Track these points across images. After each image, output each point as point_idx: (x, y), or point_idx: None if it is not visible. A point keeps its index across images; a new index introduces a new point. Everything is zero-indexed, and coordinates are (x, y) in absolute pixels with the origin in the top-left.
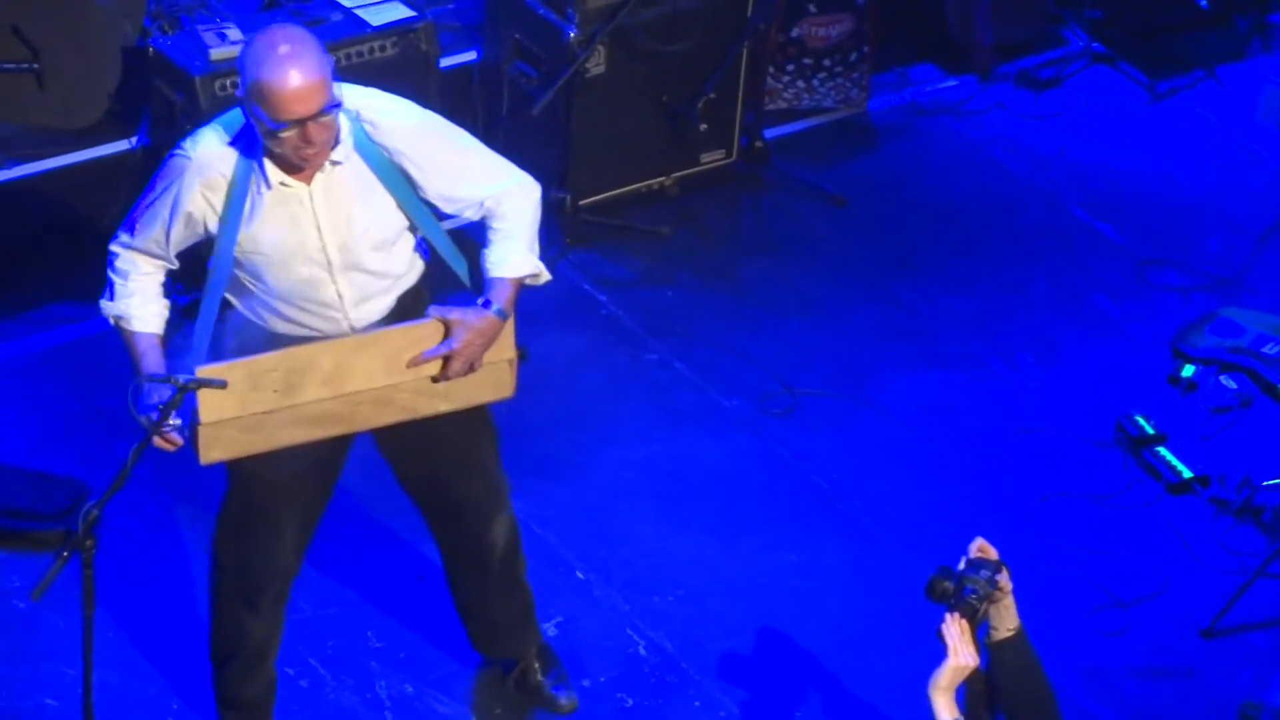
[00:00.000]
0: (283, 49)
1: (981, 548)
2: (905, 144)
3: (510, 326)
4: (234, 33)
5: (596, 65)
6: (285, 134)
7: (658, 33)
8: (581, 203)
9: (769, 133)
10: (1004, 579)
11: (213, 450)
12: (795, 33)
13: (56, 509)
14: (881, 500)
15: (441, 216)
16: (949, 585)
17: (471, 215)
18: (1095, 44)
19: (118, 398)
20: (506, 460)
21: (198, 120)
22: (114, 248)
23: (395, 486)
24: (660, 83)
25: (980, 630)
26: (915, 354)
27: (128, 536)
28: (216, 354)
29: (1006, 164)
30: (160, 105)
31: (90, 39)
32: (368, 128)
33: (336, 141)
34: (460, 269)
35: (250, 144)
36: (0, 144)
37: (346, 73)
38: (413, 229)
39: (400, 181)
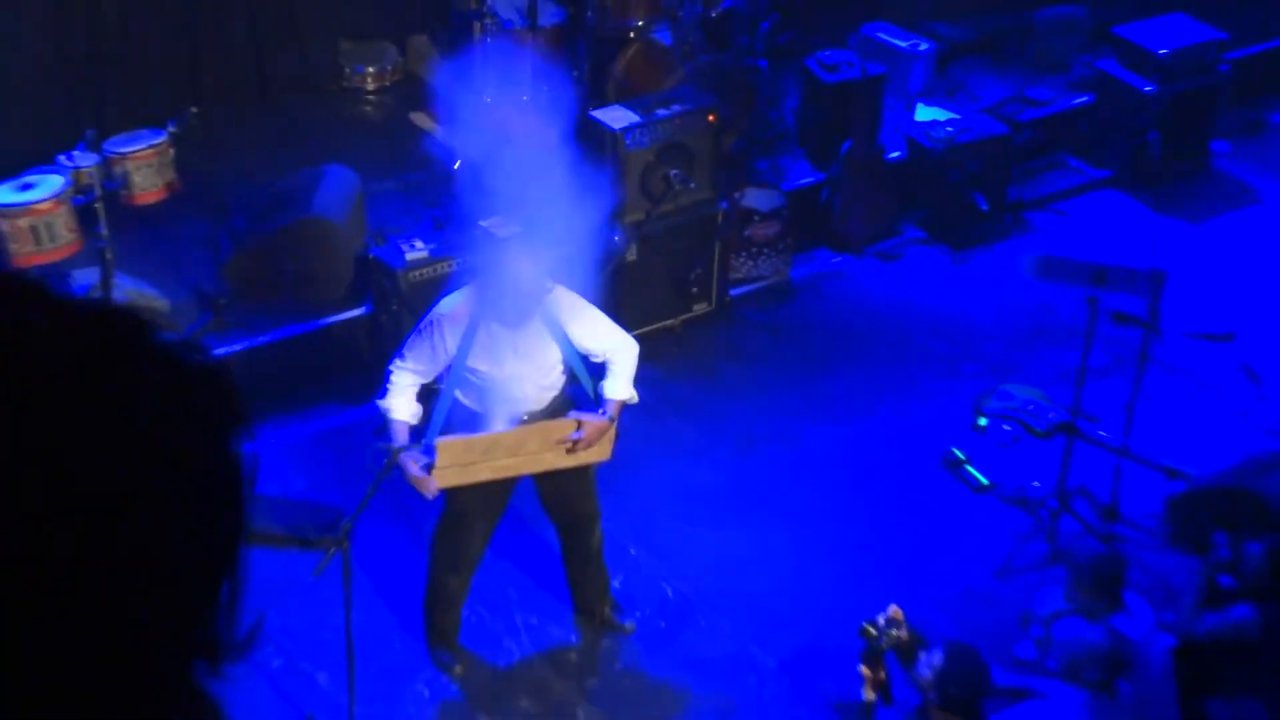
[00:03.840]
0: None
1: (895, 611)
2: (813, 296)
3: (614, 425)
4: (419, 244)
5: (631, 255)
6: (511, 307)
7: (667, 235)
8: None
9: (733, 291)
10: (904, 634)
11: (440, 482)
12: (747, 232)
13: (325, 523)
14: (805, 501)
15: (581, 357)
16: (873, 634)
17: (596, 359)
18: (920, 233)
19: (359, 459)
20: None
21: (400, 296)
22: (391, 367)
23: (538, 506)
24: (669, 264)
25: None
26: (822, 415)
27: (369, 541)
28: (447, 431)
29: (872, 305)
30: (378, 288)
31: (336, 250)
32: (549, 300)
33: (536, 311)
34: (589, 389)
35: (480, 303)
36: (287, 315)
37: (437, 285)
38: (565, 361)
39: (561, 333)
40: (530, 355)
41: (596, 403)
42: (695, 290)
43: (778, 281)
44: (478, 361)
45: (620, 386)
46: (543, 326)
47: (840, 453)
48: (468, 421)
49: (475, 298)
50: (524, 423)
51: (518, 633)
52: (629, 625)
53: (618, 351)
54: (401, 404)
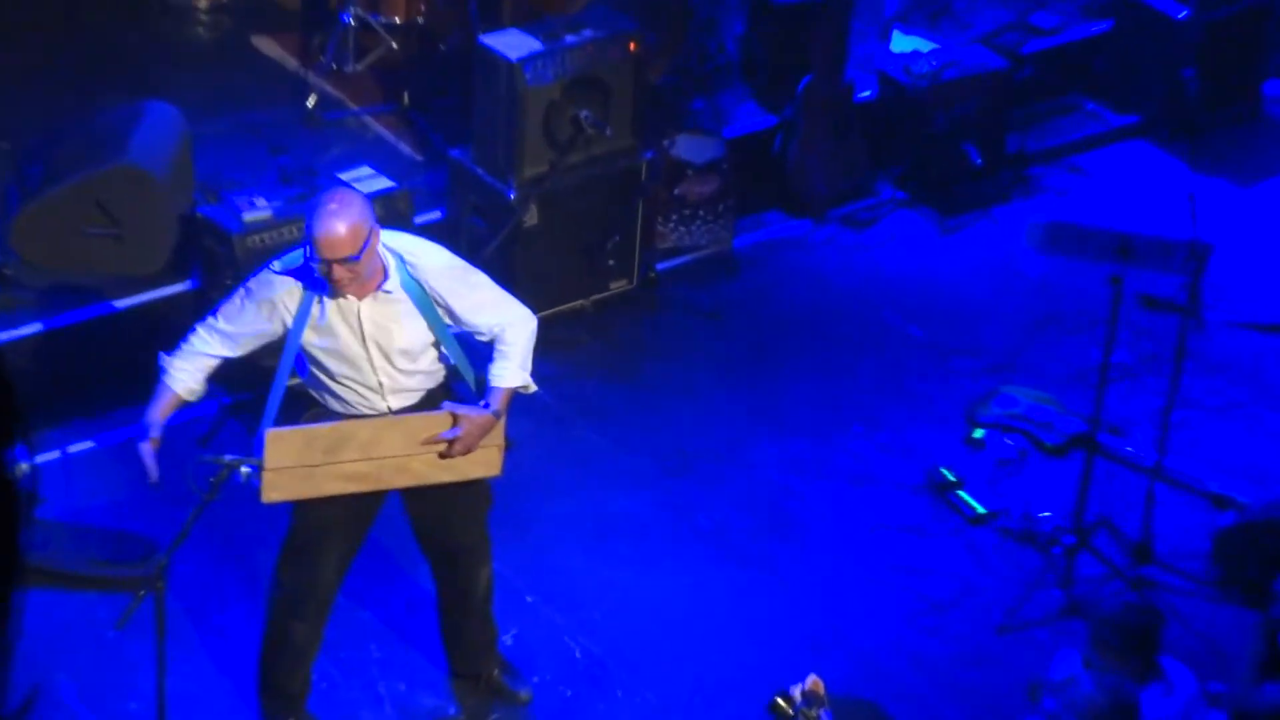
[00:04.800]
0: (331, 205)
1: (814, 684)
2: (762, 272)
3: (502, 423)
4: (261, 202)
5: (531, 219)
6: (318, 268)
7: (577, 193)
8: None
9: (660, 265)
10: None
11: (273, 492)
12: (677, 191)
13: (133, 558)
14: (753, 536)
15: (459, 336)
16: (785, 708)
17: (483, 338)
18: (899, 193)
19: (177, 477)
20: None
21: (236, 267)
22: (198, 326)
23: (408, 536)
24: (578, 230)
25: None
26: (774, 426)
27: (188, 579)
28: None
29: (837, 284)
30: (207, 256)
31: (155, 208)
32: (409, 268)
33: (386, 275)
34: (469, 377)
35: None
36: (92, 289)
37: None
38: (437, 345)
39: (431, 308)
40: (389, 333)
41: (479, 394)
42: (612, 263)
43: (717, 252)
44: (318, 338)
45: (510, 370)
46: (405, 298)
47: (796, 474)
48: (321, 414)
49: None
50: (384, 416)
51: (380, 703)
52: (524, 694)
53: (509, 327)
54: (184, 372)
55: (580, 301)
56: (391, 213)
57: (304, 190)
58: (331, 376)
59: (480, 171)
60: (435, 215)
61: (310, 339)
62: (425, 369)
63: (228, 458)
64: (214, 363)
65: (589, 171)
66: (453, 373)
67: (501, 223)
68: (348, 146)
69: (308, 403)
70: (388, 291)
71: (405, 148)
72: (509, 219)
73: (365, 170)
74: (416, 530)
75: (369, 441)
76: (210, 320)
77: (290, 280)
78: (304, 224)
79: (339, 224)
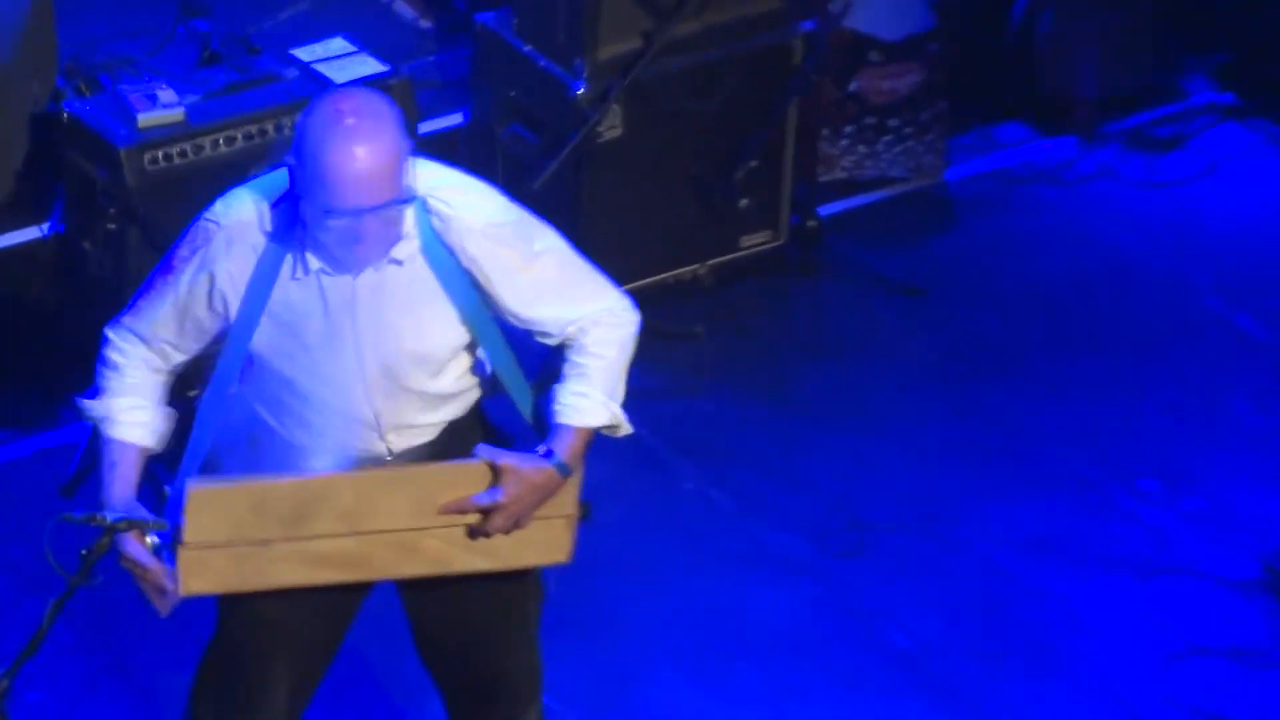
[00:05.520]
0: (349, 120)
1: None
2: (991, 220)
3: (574, 480)
4: (167, 94)
5: (611, 128)
6: (335, 223)
7: (686, 87)
8: None
9: (824, 209)
10: None
11: (194, 579)
12: (854, 86)
13: None
14: (971, 660)
15: (508, 332)
16: None
17: (548, 340)
18: (1224, 95)
19: (31, 544)
20: None
21: (124, 201)
22: (110, 333)
23: (410, 650)
24: (691, 149)
25: None
26: (1007, 477)
27: (43, 713)
28: (215, 465)
29: (1118, 242)
30: (77, 184)
31: None
32: (435, 222)
33: (398, 236)
34: (524, 402)
35: (292, 216)
36: None
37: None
38: (472, 348)
39: (467, 290)
40: (396, 329)
41: (539, 433)
42: (746, 204)
43: (919, 188)
44: (279, 339)
45: (591, 399)
46: (427, 272)
47: (1042, 558)
48: (267, 457)
49: (279, 208)
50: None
51: None
52: None
53: (594, 326)
54: (136, 411)
55: (692, 268)
56: None
57: (236, 76)
58: (294, 394)
59: (528, 49)
60: (452, 120)
61: (266, 331)
62: (449, 388)
63: (112, 517)
64: (165, 379)
65: (708, 52)
66: (490, 388)
67: (562, 134)
68: (310, 4)
69: (252, 434)
70: (397, 261)
71: (405, 7)
72: (574, 128)
73: (338, 44)
74: (424, 646)
75: (355, 505)
76: (128, 320)
77: (246, 231)
78: (271, 145)
79: (369, 148)
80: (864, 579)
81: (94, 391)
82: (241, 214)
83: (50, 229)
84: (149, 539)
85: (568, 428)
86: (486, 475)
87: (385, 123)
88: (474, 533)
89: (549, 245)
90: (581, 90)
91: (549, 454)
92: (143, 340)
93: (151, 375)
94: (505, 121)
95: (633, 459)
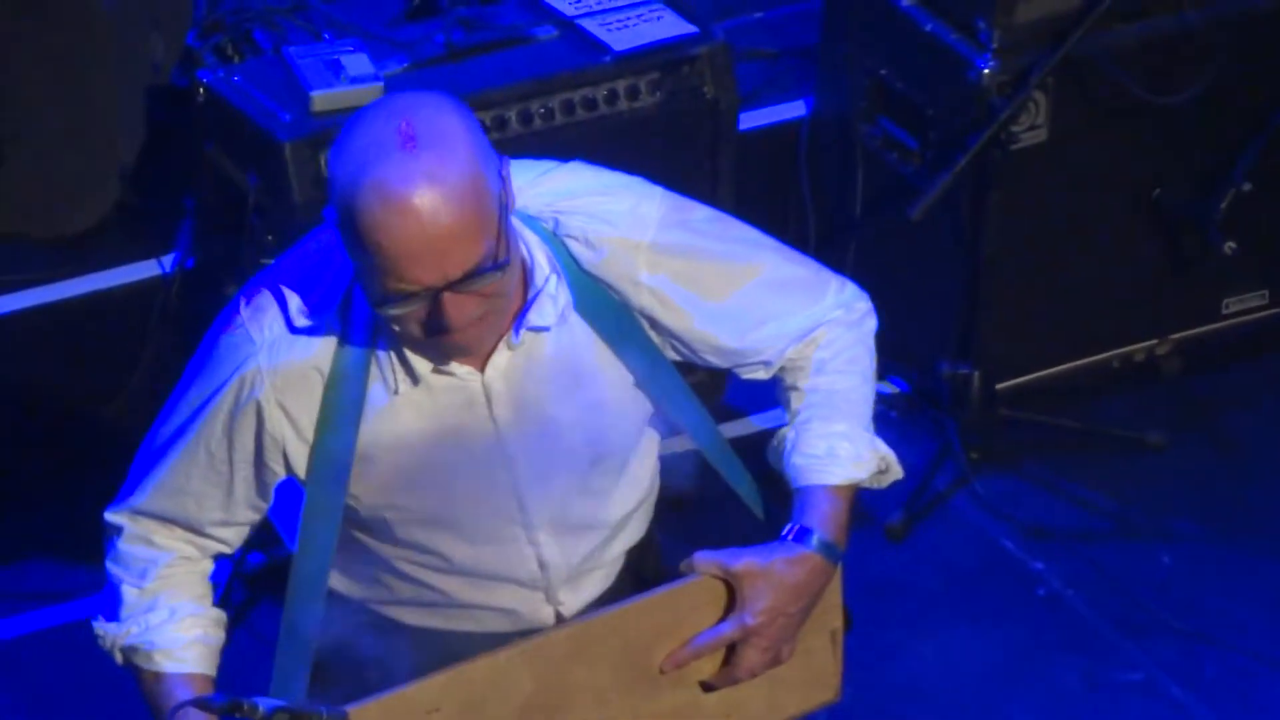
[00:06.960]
0: (412, 156)
1: None
2: None
3: (837, 576)
4: (357, 61)
5: (1033, 129)
6: (396, 311)
7: (1145, 71)
8: (999, 387)
9: None
10: None
11: None
12: None
13: None
14: None
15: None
16: None
17: (760, 375)
18: None
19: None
20: None
21: (288, 224)
22: (113, 517)
23: None
24: (1149, 164)
25: None
26: None
27: None
28: (325, 680)
29: None
30: (217, 195)
31: (87, 70)
32: (579, 249)
33: (530, 283)
34: (740, 483)
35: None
36: None
37: (559, 139)
38: (656, 424)
39: (640, 339)
40: (554, 429)
41: (772, 524)
42: (1232, 248)
43: None
44: (384, 491)
45: (845, 440)
46: (584, 330)
47: None
48: (394, 653)
49: (342, 293)
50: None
51: None
52: None
53: (828, 330)
54: (169, 630)
55: (1148, 344)
56: (681, 104)
57: (459, 34)
58: (418, 564)
59: (909, 4)
60: (789, 110)
61: (362, 484)
62: (634, 496)
63: (266, 706)
64: (205, 570)
65: (1183, 12)
66: (675, 471)
67: (956, 135)
68: None
69: (355, 633)
70: (541, 328)
71: None
72: (976, 127)
73: (656, 6)
74: None
75: (542, 692)
76: (132, 502)
77: (294, 357)
78: (353, 197)
79: (443, 199)
80: None
81: (109, 607)
82: (284, 320)
83: (174, 263)
84: None
85: (818, 490)
86: (716, 596)
87: (461, 144)
88: (709, 687)
89: (741, 236)
90: (988, 69)
91: (803, 533)
92: (164, 521)
93: (189, 570)
94: (869, 114)
95: (1050, 630)
